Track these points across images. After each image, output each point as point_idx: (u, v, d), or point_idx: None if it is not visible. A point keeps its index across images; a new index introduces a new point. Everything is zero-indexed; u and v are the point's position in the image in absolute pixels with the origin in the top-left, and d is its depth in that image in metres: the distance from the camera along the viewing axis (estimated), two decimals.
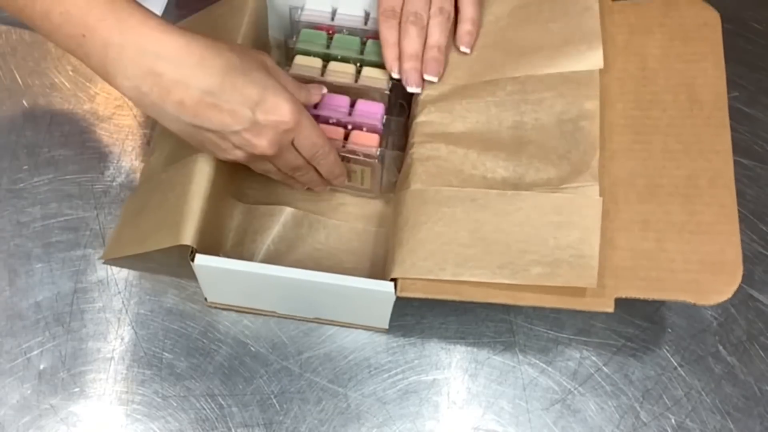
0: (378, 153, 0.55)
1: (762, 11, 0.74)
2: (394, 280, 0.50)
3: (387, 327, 0.56)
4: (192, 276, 0.53)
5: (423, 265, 0.49)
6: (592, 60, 0.53)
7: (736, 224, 0.49)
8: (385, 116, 0.57)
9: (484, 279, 0.48)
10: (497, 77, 0.55)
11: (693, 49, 0.55)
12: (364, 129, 0.56)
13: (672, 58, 0.55)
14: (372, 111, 0.57)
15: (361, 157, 0.55)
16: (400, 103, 0.59)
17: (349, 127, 0.56)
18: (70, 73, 0.67)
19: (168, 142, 0.58)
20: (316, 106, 0.57)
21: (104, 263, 0.59)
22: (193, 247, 0.49)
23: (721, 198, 0.50)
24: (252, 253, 0.57)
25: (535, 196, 0.50)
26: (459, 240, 0.49)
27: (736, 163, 0.51)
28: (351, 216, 0.59)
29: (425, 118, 0.55)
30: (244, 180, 0.60)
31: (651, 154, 0.52)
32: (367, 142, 0.56)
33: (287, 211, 0.58)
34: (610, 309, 0.48)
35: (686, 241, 0.49)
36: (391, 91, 0.58)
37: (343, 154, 0.55)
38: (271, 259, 0.56)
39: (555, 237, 0.48)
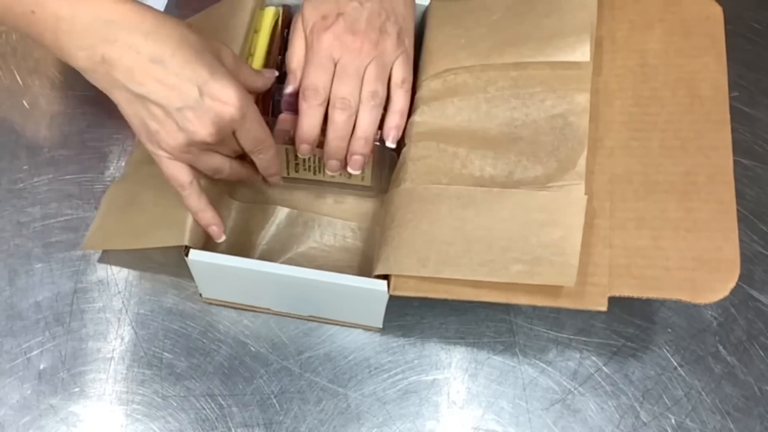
0: (378, 136, 0.55)
1: (762, 11, 0.74)
2: (384, 277, 0.50)
3: (381, 326, 0.57)
4: (191, 275, 0.53)
5: (405, 262, 0.49)
6: (579, 52, 0.52)
7: (735, 221, 0.48)
8: None
9: (464, 276, 0.48)
10: (482, 63, 0.54)
11: (694, 44, 0.54)
12: None
13: (672, 53, 0.54)
14: None
15: None
16: None
17: None
18: (71, 73, 0.67)
19: None
20: None
21: (99, 261, 0.58)
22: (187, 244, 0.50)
23: (719, 194, 0.49)
24: (247, 251, 0.57)
25: (520, 194, 0.50)
26: (442, 237, 0.49)
27: (736, 163, 0.50)
28: (346, 214, 0.59)
29: (419, 118, 0.55)
30: None
31: (648, 150, 0.52)
32: None
33: (281, 211, 0.59)
34: (603, 308, 0.48)
35: (682, 239, 0.49)
36: None
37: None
38: (265, 258, 0.57)
39: (537, 235, 0.48)
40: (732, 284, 0.47)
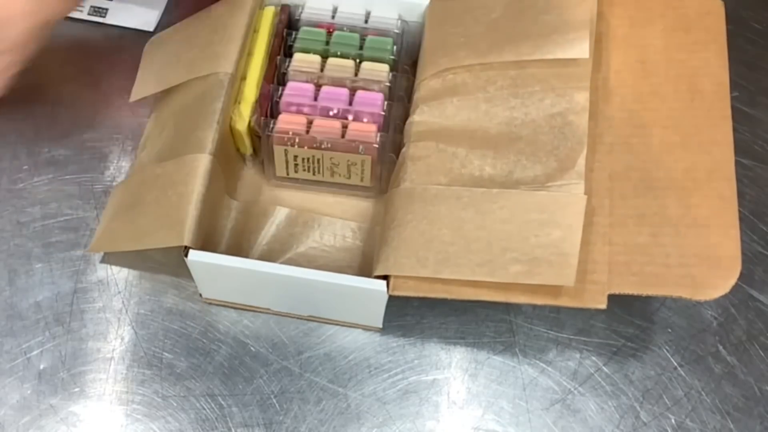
0: (378, 138, 0.55)
1: (762, 11, 0.74)
2: (384, 278, 0.50)
3: (381, 326, 0.57)
4: (191, 275, 0.53)
5: (405, 262, 0.49)
6: (578, 49, 0.52)
7: (736, 217, 0.48)
8: (386, 102, 0.57)
9: (463, 276, 0.48)
10: (481, 62, 0.54)
11: (695, 39, 0.54)
12: (365, 119, 0.56)
13: (673, 49, 0.54)
14: (372, 99, 0.57)
15: (361, 147, 0.55)
16: (400, 95, 0.59)
17: (350, 117, 0.56)
18: (71, 73, 0.67)
19: (159, 139, 0.59)
20: (315, 98, 0.57)
21: (101, 262, 0.59)
22: (186, 244, 0.50)
23: (720, 190, 0.49)
24: (247, 251, 0.57)
25: (519, 194, 0.50)
26: (441, 238, 0.49)
27: (736, 163, 0.51)
28: (346, 214, 0.59)
29: (419, 118, 0.55)
30: (241, 178, 0.61)
31: (649, 147, 0.51)
32: (365, 129, 0.56)
33: (281, 211, 0.59)
34: (603, 306, 0.48)
35: (682, 235, 0.49)
36: (391, 83, 0.58)
37: (341, 148, 0.55)
38: (265, 258, 0.57)
39: (536, 235, 0.48)
40: (733, 281, 0.47)
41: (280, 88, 0.57)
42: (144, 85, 0.63)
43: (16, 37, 0.55)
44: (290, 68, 0.58)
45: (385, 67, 0.58)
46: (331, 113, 0.56)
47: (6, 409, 0.53)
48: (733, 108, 0.52)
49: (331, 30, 0.61)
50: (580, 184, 0.49)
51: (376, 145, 0.55)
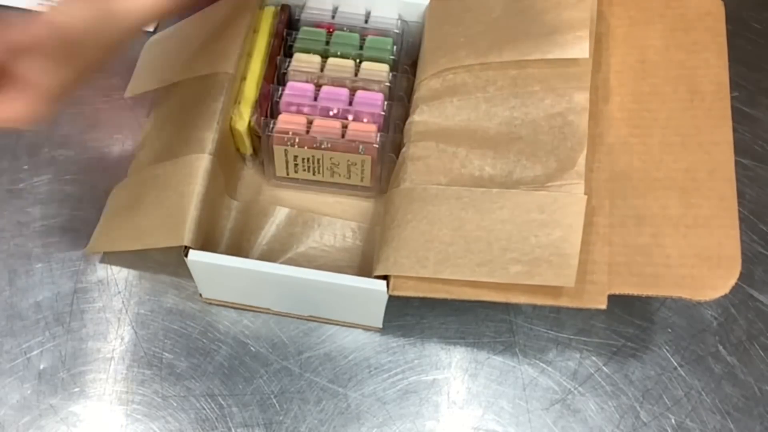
0: (378, 138, 0.55)
1: (762, 11, 0.74)
2: (384, 278, 0.50)
3: (381, 326, 0.57)
4: (191, 275, 0.53)
5: (405, 262, 0.49)
6: (578, 49, 0.52)
7: (735, 218, 0.48)
8: (386, 102, 0.57)
9: (463, 277, 0.48)
10: (481, 61, 0.54)
11: (694, 39, 0.54)
12: (365, 120, 0.56)
13: (673, 49, 0.54)
14: (372, 99, 0.57)
15: (361, 147, 0.55)
16: (400, 95, 0.59)
17: (350, 117, 0.56)
18: None
19: (158, 138, 0.59)
20: (315, 98, 0.57)
21: (101, 261, 0.58)
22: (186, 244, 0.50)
23: (720, 191, 0.49)
24: (247, 251, 0.57)
25: (519, 194, 0.50)
26: (441, 238, 0.49)
27: (736, 163, 0.51)
28: (346, 214, 0.59)
29: (418, 118, 0.55)
30: (241, 178, 0.61)
31: (648, 147, 0.52)
32: (365, 129, 0.56)
33: (281, 211, 0.59)
34: (603, 306, 0.48)
35: (682, 236, 0.49)
36: (391, 83, 0.58)
37: (341, 148, 0.55)
38: (265, 258, 0.57)
39: (536, 235, 0.48)
40: (733, 281, 0.47)
41: (280, 88, 0.57)
42: (140, 82, 0.63)
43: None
44: (290, 68, 0.58)
45: (385, 67, 0.58)
46: (331, 113, 0.56)
47: (6, 409, 0.53)
48: (733, 108, 0.52)
49: (331, 30, 0.61)
50: (580, 184, 0.49)
51: (376, 145, 0.55)
